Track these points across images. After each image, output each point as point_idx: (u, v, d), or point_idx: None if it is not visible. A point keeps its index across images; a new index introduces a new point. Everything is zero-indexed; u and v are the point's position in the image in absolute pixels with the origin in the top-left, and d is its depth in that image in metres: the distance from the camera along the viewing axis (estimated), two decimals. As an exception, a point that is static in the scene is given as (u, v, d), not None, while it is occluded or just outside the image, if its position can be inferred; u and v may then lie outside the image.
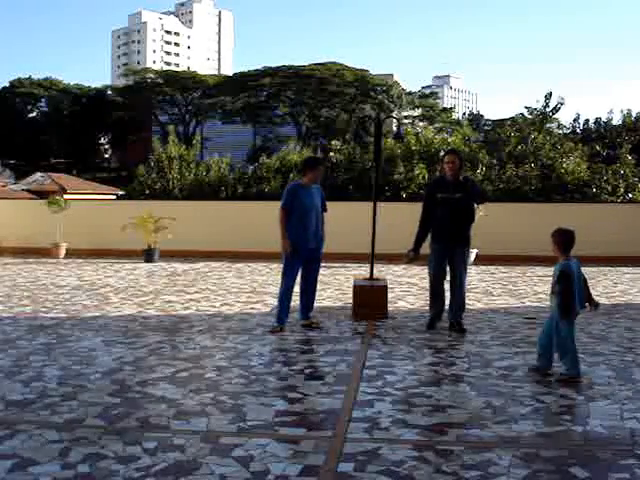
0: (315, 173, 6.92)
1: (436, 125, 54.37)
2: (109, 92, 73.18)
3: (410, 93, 70.31)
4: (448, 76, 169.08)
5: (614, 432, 3.98)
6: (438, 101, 79.39)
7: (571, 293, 5.03)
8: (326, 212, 7.09)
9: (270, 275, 11.22)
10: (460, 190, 6.78)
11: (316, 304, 7.43)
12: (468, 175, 7.74)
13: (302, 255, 6.88)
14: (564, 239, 5.21)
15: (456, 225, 6.78)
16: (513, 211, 14.41)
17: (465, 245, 6.92)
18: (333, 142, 29.50)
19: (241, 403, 4.51)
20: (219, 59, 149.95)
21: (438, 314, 7.01)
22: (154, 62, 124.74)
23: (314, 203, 6.89)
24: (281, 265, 7.06)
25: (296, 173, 22.50)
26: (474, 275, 11.10)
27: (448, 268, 6.93)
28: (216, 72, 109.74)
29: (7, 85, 69.12)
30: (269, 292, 9.24)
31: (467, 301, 7.22)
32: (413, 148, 21.97)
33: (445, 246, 6.82)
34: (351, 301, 7.80)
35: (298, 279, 7.05)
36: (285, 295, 6.92)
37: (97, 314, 7.76)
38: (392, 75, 74.56)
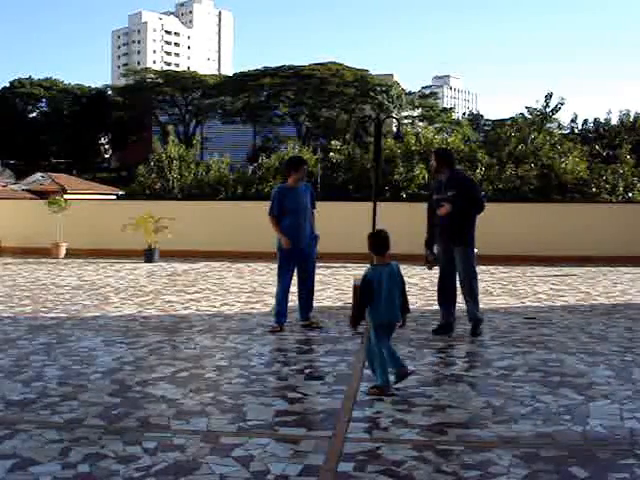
0: (299, 173, 6.89)
1: (436, 125, 54.28)
2: (109, 92, 73.30)
3: (410, 93, 70.38)
4: (448, 76, 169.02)
5: (614, 432, 3.98)
6: (438, 101, 79.44)
7: (361, 303, 4.74)
8: (315, 209, 7.07)
9: (270, 275, 11.19)
10: (452, 187, 6.51)
11: (316, 304, 7.43)
12: (462, 172, 7.51)
13: (295, 256, 6.89)
14: (375, 242, 4.98)
15: (450, 224, 6.49)
16: (513, 211, 14.40)
17: (461, 244, 6.58)
18: (333, 142, 29.56)
19: (241, 403, 4.51)
20: (219, 59, 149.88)
21: (446, 326, 6.65)
22: (154, 62, 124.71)
23: (303, 203, 6.88)
24: (280, 265, 7.07)
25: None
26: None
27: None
28: (216, 72, 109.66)
29: (7, 85, 69.25)
30: (269, 292, 9.23)
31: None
32: (413, 148, 22.03)
33: (445, 247, 6.63)
34: (351, 301, 7.79)
35: (295, 279, 7.05)
36: (282, 296, 6.92)
37: (97, 314, 7.76)
38: (392, 75, 74.67)
